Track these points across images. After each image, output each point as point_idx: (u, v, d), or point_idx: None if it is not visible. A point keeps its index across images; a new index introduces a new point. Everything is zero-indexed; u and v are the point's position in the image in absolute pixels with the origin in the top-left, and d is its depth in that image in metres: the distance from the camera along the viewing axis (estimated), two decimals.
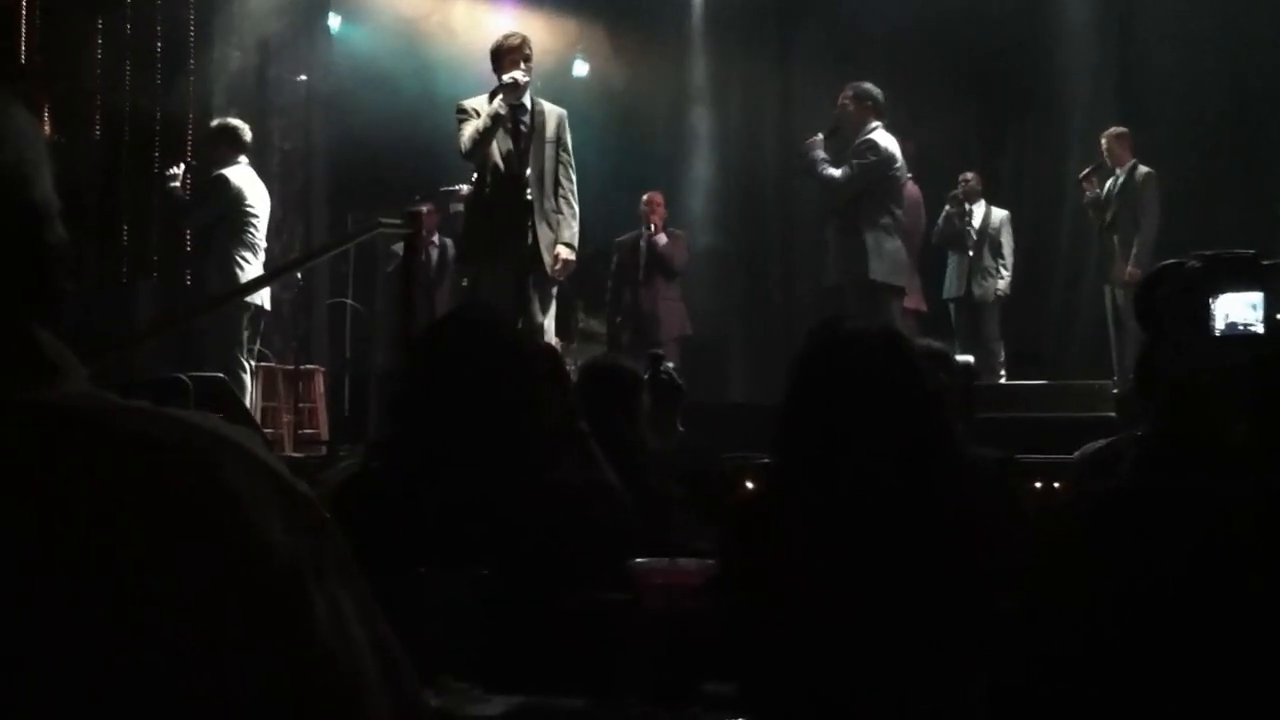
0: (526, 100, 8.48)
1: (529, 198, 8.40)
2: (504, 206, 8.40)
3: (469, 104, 8.43)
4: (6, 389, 1.08)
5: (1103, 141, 11.54)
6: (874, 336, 2.89)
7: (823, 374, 2.84)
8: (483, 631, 2.64)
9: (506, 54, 8.44)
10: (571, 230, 8.51)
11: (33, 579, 0.99)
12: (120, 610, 1.00)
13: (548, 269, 8.40)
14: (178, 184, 9.75)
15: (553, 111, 8.60)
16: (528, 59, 8.42)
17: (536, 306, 8.42)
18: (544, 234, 8.40)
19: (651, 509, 3.88)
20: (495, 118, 8.33)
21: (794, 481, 2.84)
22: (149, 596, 1.01)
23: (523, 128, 8.45)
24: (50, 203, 1.19)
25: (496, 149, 8.40)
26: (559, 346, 8.94)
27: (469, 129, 8.37)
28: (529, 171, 8.42)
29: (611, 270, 12.53)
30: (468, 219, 8.90)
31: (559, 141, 8.53)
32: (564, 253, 8.44)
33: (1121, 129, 11.59)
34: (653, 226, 12.30)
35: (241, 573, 1.04)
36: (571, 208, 8.53)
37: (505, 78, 8.36)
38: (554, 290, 8.69)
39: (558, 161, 8.51)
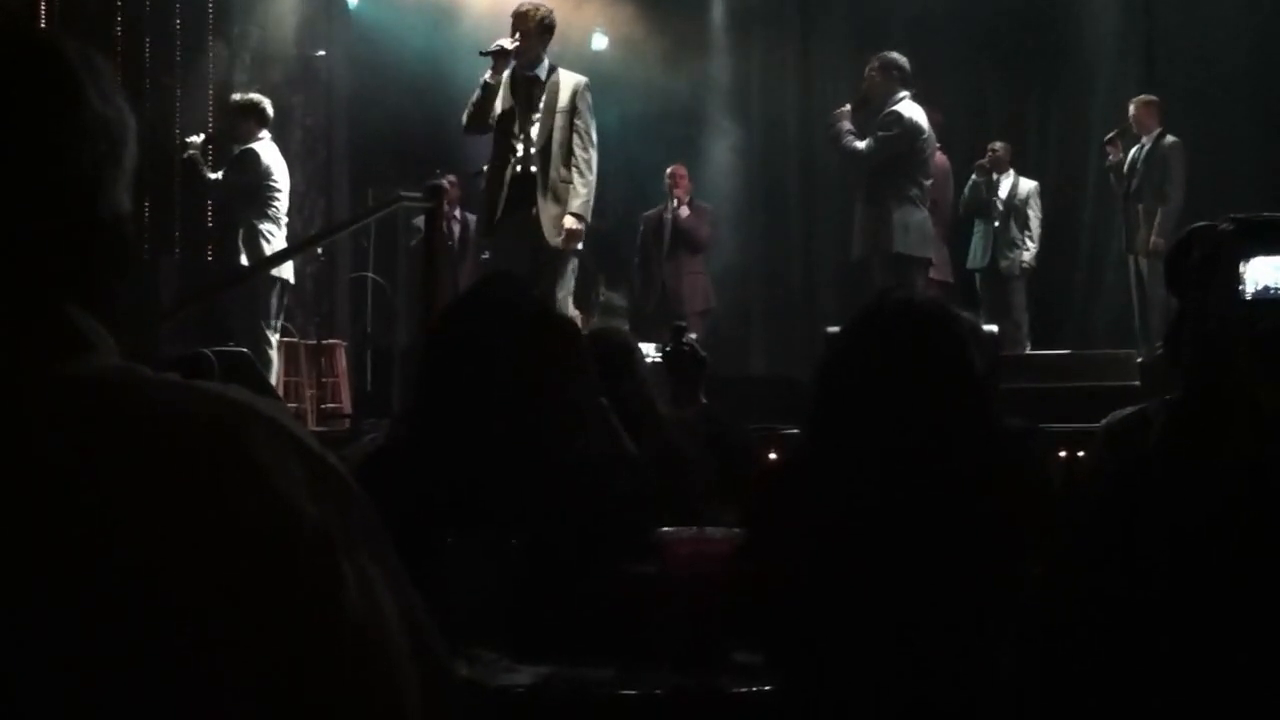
0: (541, 71, 8.41)
1: (532, 170, 8.32)
2: (509, 180, 8.35)
3: (486, 79, 8.40)
4: (39, 363, 1.08)
5: (1131, 108, 11.49)
6: (927, 309, 2.88)
7: (871, 344, 2.84)
8: (511, 601, 2.65)
9: (511, 22, 8.41)
10: (580, 200, 8.33)
11: (64, 549, 1.00)
12: (150, 582, 1.00)
13: (550, 241, 8.29)
14: (196, 151, 9.79)
15: (568, 80, 8.46)
16: (527, 32, 8.29)
17: (549, 279, 8.32)
18: (548, 206, 8.27)
19: (673, 479, 3.88)
20: (484, 87, 8.26)
21: (826, 451, 2.83)
22: (179, 568, 1.01)
23: (535, 99, 8.39)
24: (108, 188, 1.19)
25: (504, 121, 8.36)
26: (578, 320, 8.92)
27: (469, 102, 8.38)
28: (535, 143, 8.35)
29: (637, 244, 12.52)
30: (483, 193, 8.87)
31: (573, 110, 8.37)
32: (569, 223, 8.26)
33: (1151, 97, 11.53)
34: (676, 200, 12.29)
35: (271, 544, 1.05)
36: (583, 177, 8.35)
37: (492, 45, 8.32)
38: (570, 264, 8.57)
39: (571, 130, 8.35)
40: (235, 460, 1.07)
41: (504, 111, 8.34)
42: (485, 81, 8.27)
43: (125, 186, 1.22)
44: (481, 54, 8.36)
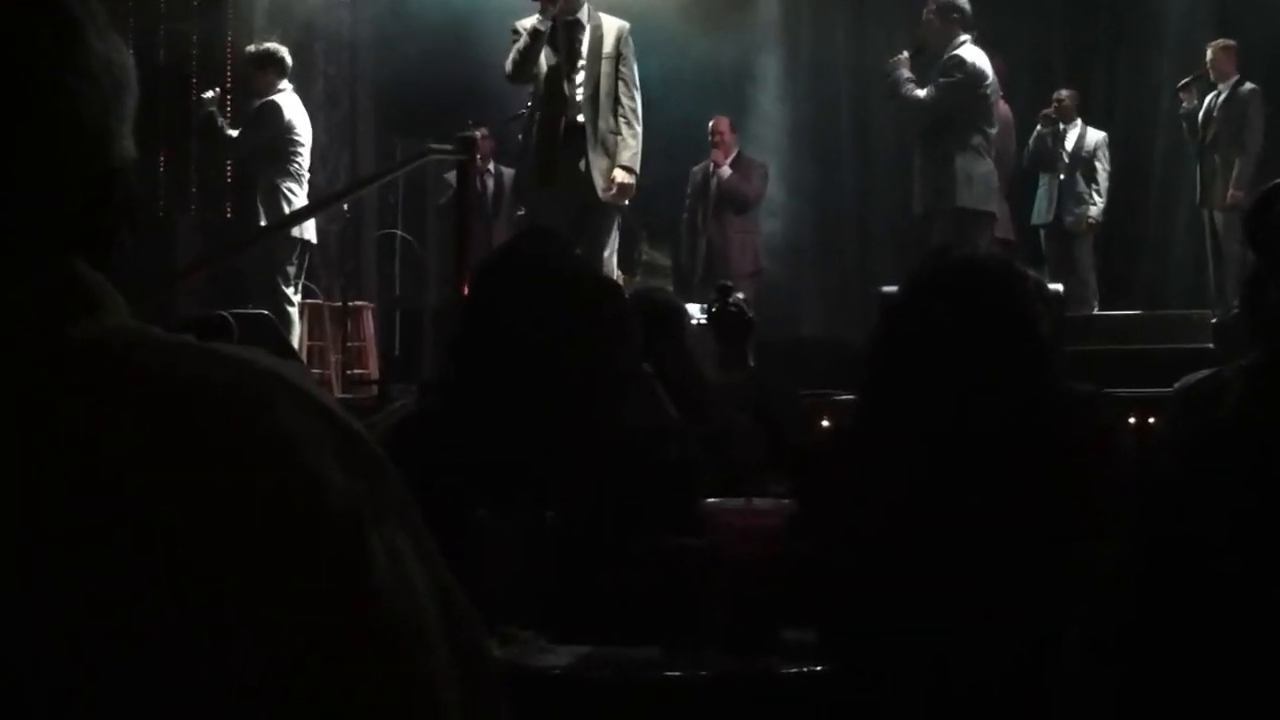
0: (583, 15, 8.39)
1: (580, 120, 8.32)
2: (555, 130, 8.33)
3: (521, 24, 8.36)
4: (47, 323, 1.07)
5: (1208, 53, 11.37)
6: (988, 268, 2.86)
7: (929, 306, 2.82)
8: (548, 578, 2.65)
9: None
10: (631, 151, 8.36)
11: (70, 523, 0.99)
12: (165, 557, 1.00)
13: (601, 195, 8.31)
14: (214, 108, 9.79)
15: (611, 25, 8.46)
16: None
17: (594, 236, 8.32)
18: (597, 158, 8.28)
19: (719, 449, 3.88)
20: (534, 34, 8.23)
21: (881, 418, 2.82)
22: (195, 542, 1.01)
23: (578, 45, 8.37)
24: (115, 132, 1.19)
25: (547, 69, 8.33)
26: (621, 280, 8.92)
27: (514, 50, 8.34)
28: (581, 92, 8.33)
29: (686, 201, 12.42)
30: (523, 145, 8.86)
31: (618, 57, 8.37)
32: (620, 176, 8.30)
33: (1229, 41, 11.40)
34: (719, 158, 12.18)
35: (296, 517, 1.04)
36: (632, 127, 8.38)
37: None
38: (615, 219, 8.60)
39: (616, 79, 8.35)
40: (256, 427, 1.06)
41: (547, 62, 8.32)
42: (534, 28, 8.23)
43: (129, 131, 1.21)
44: None
